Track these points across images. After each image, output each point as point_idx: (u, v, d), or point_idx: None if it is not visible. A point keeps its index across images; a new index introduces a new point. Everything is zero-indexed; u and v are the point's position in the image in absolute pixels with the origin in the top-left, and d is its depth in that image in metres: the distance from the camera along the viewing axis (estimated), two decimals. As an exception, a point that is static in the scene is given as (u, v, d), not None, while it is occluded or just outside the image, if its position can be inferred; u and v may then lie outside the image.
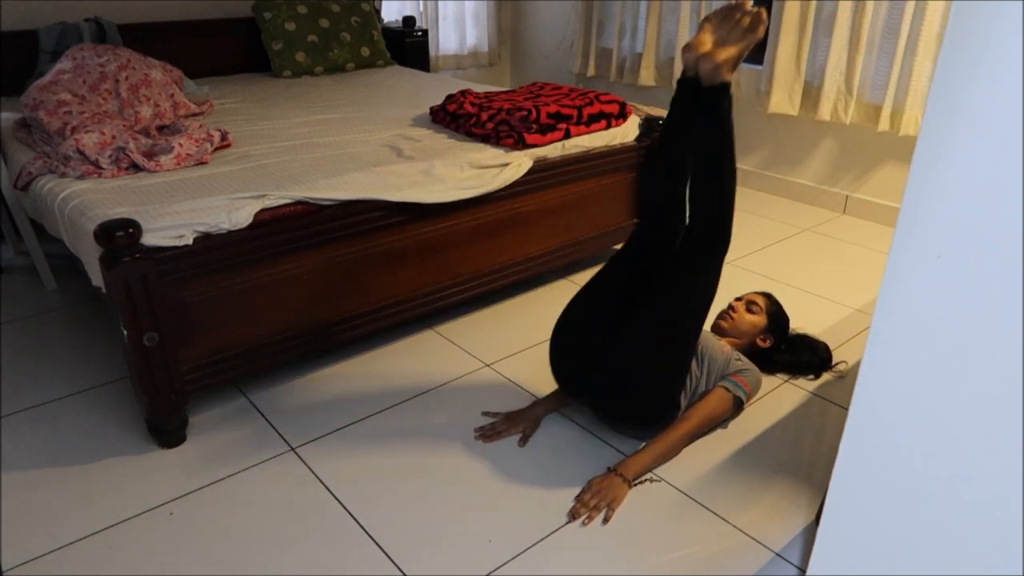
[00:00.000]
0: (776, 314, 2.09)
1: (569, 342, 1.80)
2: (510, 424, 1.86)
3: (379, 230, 2.03)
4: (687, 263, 1.67)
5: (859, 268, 2.86)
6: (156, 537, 1.54)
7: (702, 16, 3.61)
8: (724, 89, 1.53)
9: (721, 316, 2.09)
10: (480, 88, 2.98)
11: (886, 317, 0.95)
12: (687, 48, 1.53)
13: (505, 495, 1.66)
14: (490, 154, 2.26)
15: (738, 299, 2.12)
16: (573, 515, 1.59)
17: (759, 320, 2.06)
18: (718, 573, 1.47)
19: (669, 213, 1.73)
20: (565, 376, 1.84)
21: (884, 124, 3.08)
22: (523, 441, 1.83)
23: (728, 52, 1.49)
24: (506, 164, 2.23)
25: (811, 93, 3.35)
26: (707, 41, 1.52)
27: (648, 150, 1.70)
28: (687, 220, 1.70)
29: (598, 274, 1.81)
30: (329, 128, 2.54)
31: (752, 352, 2.05)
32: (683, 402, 1.79)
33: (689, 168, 1.65)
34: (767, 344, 2.07)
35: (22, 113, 2.41)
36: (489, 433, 1.84)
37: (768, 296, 2.12)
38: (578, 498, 1.64)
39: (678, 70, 3.80)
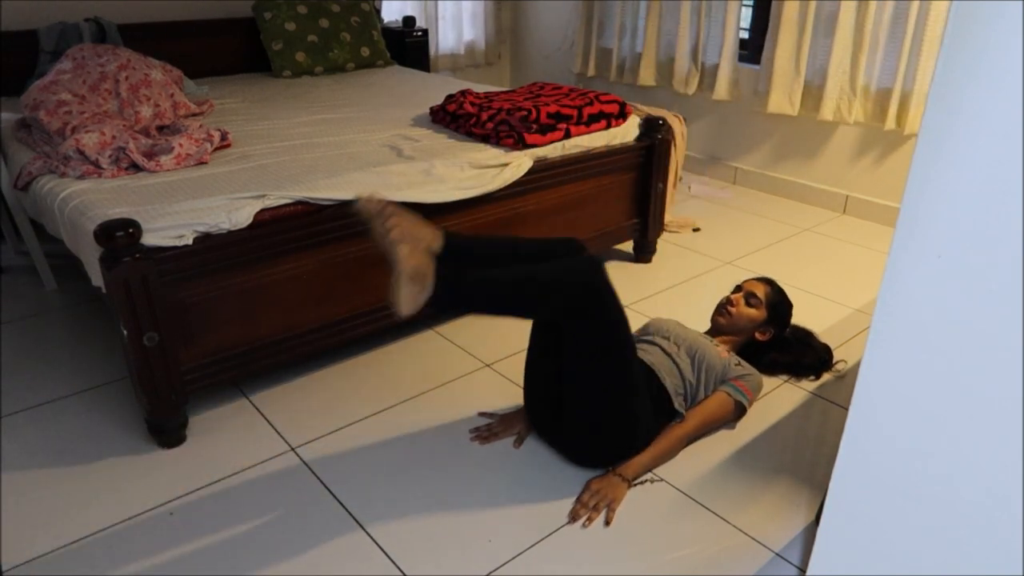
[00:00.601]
0: (778, 304, 2.02)
1: (533, 403, 1.80)
2: (506, 425, 1.86)
3: (379, 230, 2.03)
4: (575, 329, 1.56)
5: (859, 268, 2.86)
6: (156, 537, 1.54)
7: (702, 16, 3.63)
8: (439, 300, 1.43)
9: (719, 312, 2.05)
10: (480, 88, 2.98)
11: (886, 317, 0.95)
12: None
13: (505, 495, 1.66)
14: (490, 154, 2.26)
15: (738, 288, 2.06)
16: (573, 517, 1.59)
17: (758, 314, 2.00)
18: (718, 573, 1.47)
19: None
20: (541, 430, 1.83)
21: (891, 123, 3.08)
22: (518, 442, 1.83)
23: (402, 301, 1.39)
24: (506, 164, 2.23)
25: (812, 93, 3.35)
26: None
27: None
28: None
29: (529, 343, 1.75)
30: (329, 128, 2.54)
31: (751, 346, 2.03)
32: (682, 411, 1.78)
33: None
34: (766, 338, 2.02)
35: (22, 113, 2.41)
36: (485, 435, 1.84)
37: (770, 283, 2.05)
38: (578, 499, 1.64)
39: (678, 70, 3.80)
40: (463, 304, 1.52)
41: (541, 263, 1.57)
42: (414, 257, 1.39)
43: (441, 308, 1.47)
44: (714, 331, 2.06)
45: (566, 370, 1.63)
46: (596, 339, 1.57)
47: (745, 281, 2.09)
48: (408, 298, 1.38)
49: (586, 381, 1.61)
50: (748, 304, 2.01)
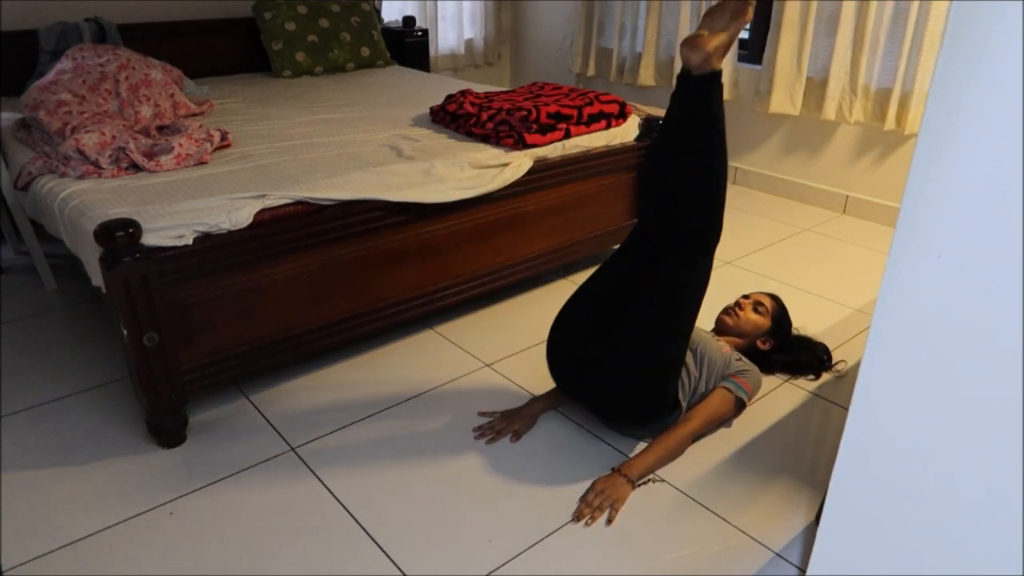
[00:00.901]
0: (780, 318, 2.09)
1: (565, 342, 1.80)
2: (507, 423, 1.87)
3: (379, 230, 2.03)
4: (677, 259, 1.64)
5: (859, 268, 2.86)
6: (156, 537, 1.54)
7: (702, 16, 3.63)
8: (714, 77, 1.53)
9: (726, 311, 2.09)
10: (480, 88, 2.98)
11: (886, 317, 0.95)
12: (683, 42, 1.54)
13: (505, 495, 1.66)
14: (490, 154, 2.26)
15: (745, 297, 2.12)
16: (578, 516, 1.59)
17: (763, 322, 2.06)
18: (718, 573, 1.47)
19: (669, 210, 1.67)
20: (561, 375, 1.84)
21: (891, 123, 3.08)
22: (515, 437, 1.83)
23: (716, 40, 1.49)
24: (506, 164, 2.23)
25: (814, 93, 3.35)
26: (700, 33, 1.53)
27: (649, 148, 1.70)
28: (678, 215, 1.65)
29: (594, 274, 1.80)
30: (329, 128, 2.54)
31: (751, 353, 2.05)
32: (683, 403, 1.79)
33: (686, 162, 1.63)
34: (767, 347, 2.07)
35: (22, 113, 2.41)
36: (489, 433, 1.85)
37: (775, 298, 2.12)
38: (582, 499, 1.64)
39: (678, 70, 3.79)
40: (711, 102, 1.56)
41: None
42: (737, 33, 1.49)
43: (699, 86, 1.54)
44: (718, 330, 2.10)
45: (639, 307, 1.65)
46: (690, 283, 1.64)
47: (752, 293, 2.14)
48: (724, 43, 1.49)
49: (656, 321, 1.64)
50: (755, 311, 2.07)
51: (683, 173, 1.60)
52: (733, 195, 3.67)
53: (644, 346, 1.66)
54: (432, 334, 2.33)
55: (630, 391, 1.71)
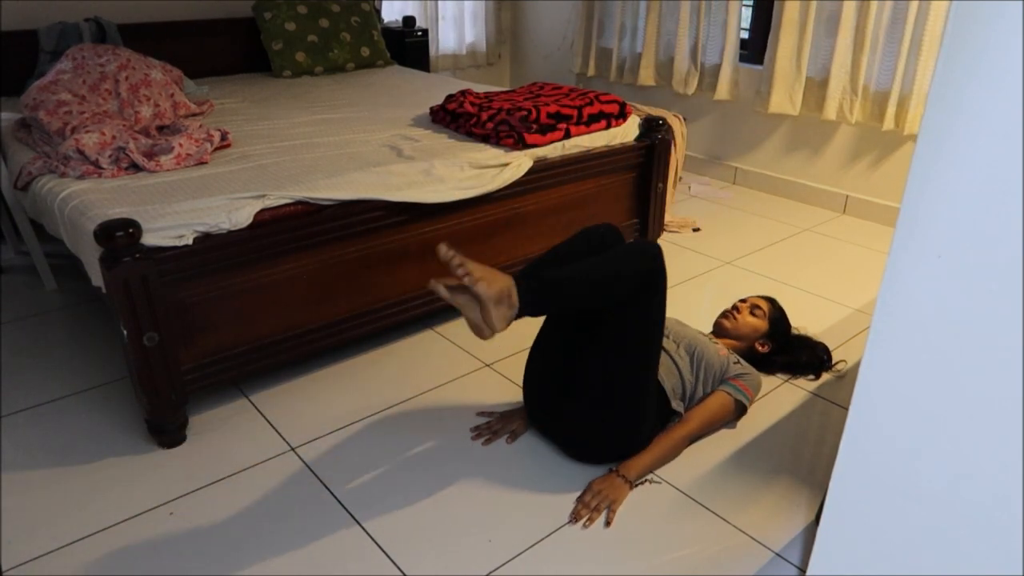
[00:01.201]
0: (778, 320, 2.09)
1: (532, 388, 1.80)
2: (505, 423, 1.87)
3: (379, 230, 2.03)
4: (632, 310, 1.59)
5: (859, 268, 2.86)
6: (156, 537, 1.54)
7: (702, 16, 3.63)
8: (521, 312, 1.45)
9: (724, 315, 2.10)
10: (480, 88, 2.98)
11: (886, 317, 0.95)
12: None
13: (505, 495, 1.66)
14: (490, 154, 2.26)
15: (743, 301, 2.12)
16: (575, 517, 1.59)
17: (761, 325, 2.06)
18: (718, 573, 1.47)
19: None
20: (536, 420, 1.84)
21: (889, 123, 3.08)
22: (512, 438, 1.83)
23: (492, 325, 1.43)
24: (506, 164, 2.23)
25: (813, 93, 3.35)
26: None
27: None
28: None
29: (542, 328, 1.77)
30: (329, 128, 2.54)
31: (750, 356, 2.05)
32: (681, 408, 1.78)
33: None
34: (765, 349, 2.07)
35: (22, 113, 2.41)
36: (486, 434, 1.84)
37: (772, 301, 2.12)
38: (579, 499, 1.64)
39: (678, 70, 3.80)
40: (549, 308, 1.55)
41: (602, 254, 1.59)
42: (495, 284, 1.42)
43: (532, 315, 1.50)
44: (716, 333, 2.10)
45: (594, 355, 1.62)
46: (641, 325, 1.59)
47: (748, 296, 2.15)
48: (501, 319, 1.43)
49: (614, 367, 1.61)
50: (752, 314, 2.07)
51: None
52: (733, 195, 3.68)
53: (615, 390, 1.63)
54: (432, 334, 2.33)
55: (608, 435, 1.70)
